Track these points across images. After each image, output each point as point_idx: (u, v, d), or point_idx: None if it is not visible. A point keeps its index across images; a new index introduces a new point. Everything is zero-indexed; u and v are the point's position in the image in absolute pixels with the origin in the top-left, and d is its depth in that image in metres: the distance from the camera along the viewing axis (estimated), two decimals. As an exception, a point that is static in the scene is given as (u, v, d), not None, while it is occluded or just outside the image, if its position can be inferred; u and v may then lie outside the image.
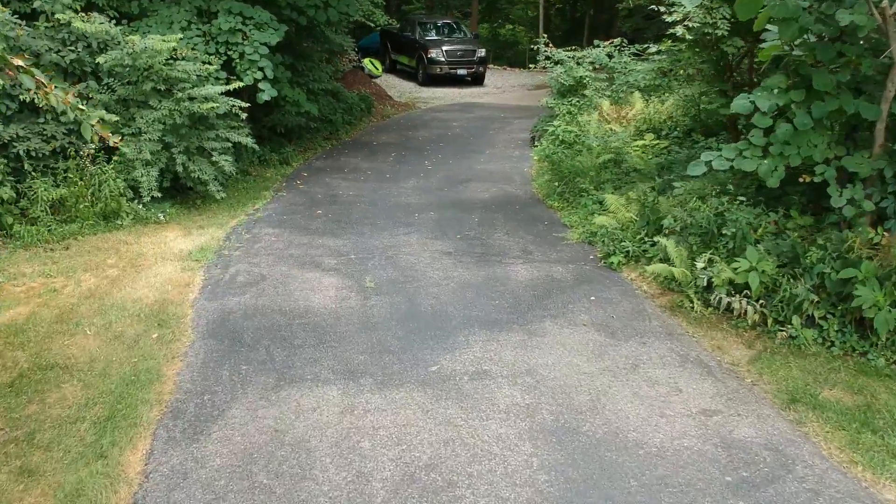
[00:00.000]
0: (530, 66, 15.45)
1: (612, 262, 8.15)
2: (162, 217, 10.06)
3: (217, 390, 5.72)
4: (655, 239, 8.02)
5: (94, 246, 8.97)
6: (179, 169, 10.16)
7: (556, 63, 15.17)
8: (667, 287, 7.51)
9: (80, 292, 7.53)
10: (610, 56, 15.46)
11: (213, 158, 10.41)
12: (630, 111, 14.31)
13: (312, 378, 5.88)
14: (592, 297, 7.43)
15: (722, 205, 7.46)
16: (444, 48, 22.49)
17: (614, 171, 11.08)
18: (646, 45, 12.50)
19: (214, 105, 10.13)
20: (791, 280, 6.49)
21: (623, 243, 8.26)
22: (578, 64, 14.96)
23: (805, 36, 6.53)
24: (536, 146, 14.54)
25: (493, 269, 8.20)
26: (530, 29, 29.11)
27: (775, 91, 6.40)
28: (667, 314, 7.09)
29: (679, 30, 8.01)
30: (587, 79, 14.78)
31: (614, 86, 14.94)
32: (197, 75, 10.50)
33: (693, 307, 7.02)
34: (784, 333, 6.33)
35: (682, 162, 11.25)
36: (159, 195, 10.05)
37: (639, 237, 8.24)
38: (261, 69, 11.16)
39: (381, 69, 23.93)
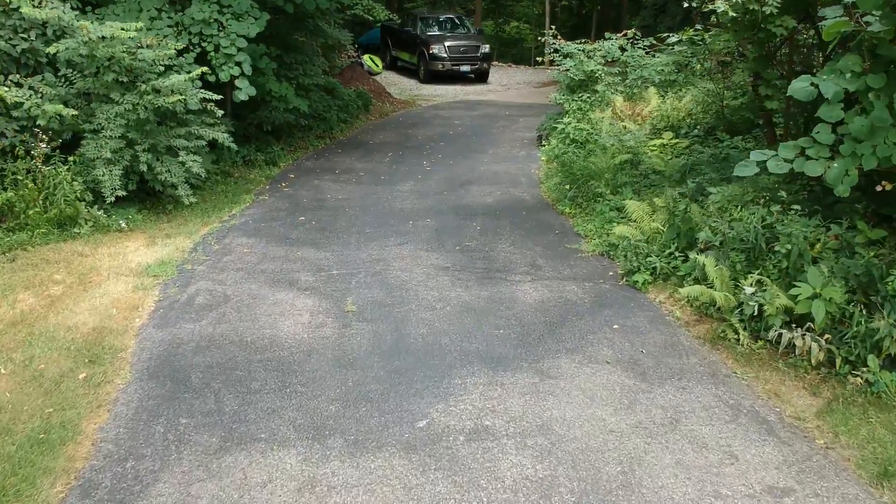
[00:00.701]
0: (538, 58, 14.12)
1: (637, 281, 6.80)
2: (124, 224, 8.75)
3: (145, 454, 4.39)
4: (688, 254, 6.69)
5: (44, 258, 7.65)
6: (144, 169, 8.84)
7: (566, 57, 13.84)
8: (704, 313, 6.16)
9: (10, 316, 6.21)
10: (622, 49, 14.10)
11: (181, 158, 9.09)
12: (645, 108, 12.96)
13: (268, 437, 4.56)
14: (615, 325, 6.08)
15: (770, 215, 6.11)
16: (447, 44, 21.14)
17: (632, 174, 9.73)
18: (666, 35, 11.16)
19: (181, 98, 8.81)
20: (865, 310, 5.15)
21: (649, 258, 6.90)
22: (589, 57, 13.61)
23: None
24: (544, 146, 13.21)
25: (496, 289, 6.87)
26: (535, 26, 27.76)
27: (847, 75, 5.05)
28: (706, 348, 5.74)
29: (720, 5, 6.66)
30: (599, 73, 13.43)
31: (628, 81, 13.58)
32: (164, 65, 9.19)
33: (739, 339, 5.67)
34: (858, 378, 4.98)
35: (706, 162, 9.92)
36: (123, 194, 8.72)
37: (668, 252, 6.88)
38: (238, 64, 9.83)
39: (381, 66, 22.60)
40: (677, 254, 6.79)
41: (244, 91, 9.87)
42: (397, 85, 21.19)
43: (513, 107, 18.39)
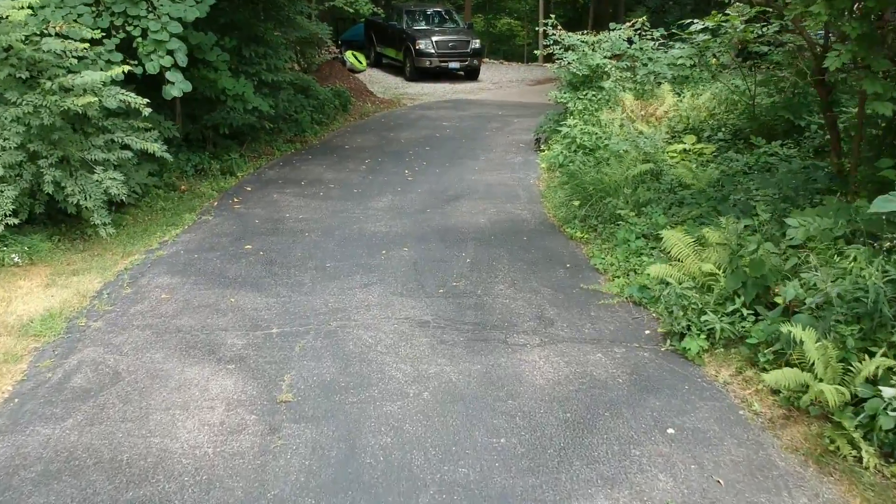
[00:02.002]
0: (535, 52, 12.00)
1: (689, 350, 4.72)
2: (18, 259, 6.62)
3: None
4: (759, 311, 4.63)
5: None
6: (49, 189, 6.73)
7: (567, 49, 11.73)
8: (793, 404, 4.10)
9: None
10: (630, 41, 12.01)
11: (96, 176, 6.97)
12: (659, 107, 10.88)
13: None
14: (670, 429, 4.00)
15: (893, 265, 4.05)
16: (434, 39, 18.98)
17: (655, 188, 7.66)
18: (689, 21, 9.09)
19: (92, 100, 6.68)
20: None
21: (704, 317, 4.82)
22: (594, 50, 11.51)
23: None
24: (543, 150, 11.12)
25: (493, 359, 4.79)
26: (528, 22, 25.62)
27: None
28: (812, 471, 3.67)
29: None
30: (607, 68, 11.34)
31: (639, 77, 11.50)
32: (76, 56, 7.06)
33: (861, 458, 3.62)
34: None
35: (741, 173, 7.87)
36: (16, 222, 6.60)
37: (731, 309, 4.81)
38: (170, 53, 7.69)
39: (365, 63, 20.44)
40: (744, 311, 4.71)
41: (177, 86, 7.72)
42: (381, 83, 19.03)
43: (506, 106, 16.28)
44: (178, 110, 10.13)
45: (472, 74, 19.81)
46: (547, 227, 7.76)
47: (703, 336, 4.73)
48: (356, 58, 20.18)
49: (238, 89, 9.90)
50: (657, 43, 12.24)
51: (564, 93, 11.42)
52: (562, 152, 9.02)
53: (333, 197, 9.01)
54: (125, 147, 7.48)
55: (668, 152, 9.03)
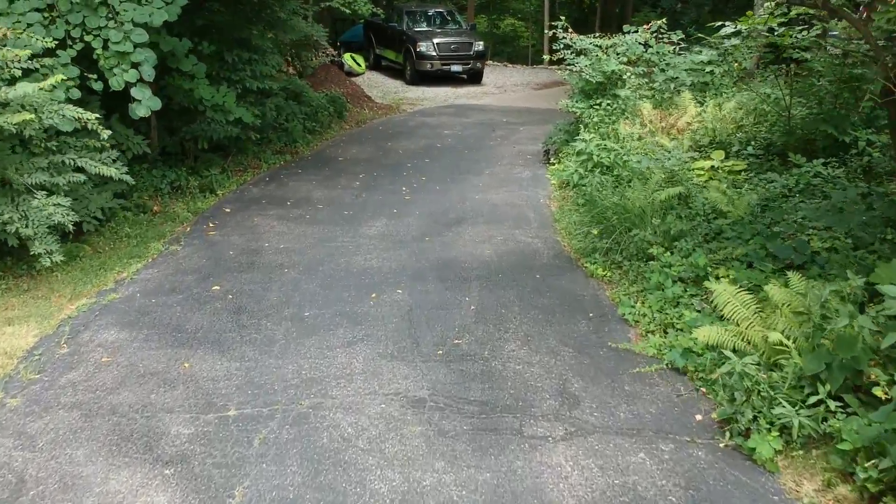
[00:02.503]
0: (545, 56, 10.87)
1: (758, 451, 3.60)
2: (-60, 305, 5.54)
3: None
4: (847, 400, 3.52)
5: None
6: (-18, 220, 5.65)
7: (579, 54, 10.60)
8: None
9: None
10: (645, 45, 10.87)
11: (35, 203, 5.87)
12: (680, 118, 9.75)
13: None
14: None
15: None
16: (436, 41, 17.82)
17: (687, 216, 6.55)
18: (720, 24, 7.96)
19: (28, 117, 5.57)
20: None
21: (778, 409, 3.69)
22: (608, 55, 10.37)
23: None
24: (553, 164, 10.02)
25: (506, 462, 3.68)
26: (532, 23, 24.40)
27: None
28: None
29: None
30: (623, 74, 10.22)
31: (657, 84, 10.37)
32: (21, 67, 5.95)
33: None
34: None
35: (782, 196, 6.78)
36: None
37: (813, 399, 3.68)
38: (135, 66, 6.57)
39: (363, 66, 19.32)
40: (831, 402, 3.59)
41: (144, 104, 6.58)
42: (380, 87, 17.90)
43: (511, 112, 15.14)
44: (152, 122, 9.02)
45: (475, 78, 18.68)
46: (562, 260, 6.64)
47: (774, 433, 3.61)
48: (354, 60, 19.06)
49: (218, 99, 8.78)
50: (675, 47, 11.12)
51: (576, 101, 10.29)
52: (576, 170, 7.91)
53: (321, 220, 7.90)
54: (79, 170, 6.39)
55: (694, 170, 7.92)
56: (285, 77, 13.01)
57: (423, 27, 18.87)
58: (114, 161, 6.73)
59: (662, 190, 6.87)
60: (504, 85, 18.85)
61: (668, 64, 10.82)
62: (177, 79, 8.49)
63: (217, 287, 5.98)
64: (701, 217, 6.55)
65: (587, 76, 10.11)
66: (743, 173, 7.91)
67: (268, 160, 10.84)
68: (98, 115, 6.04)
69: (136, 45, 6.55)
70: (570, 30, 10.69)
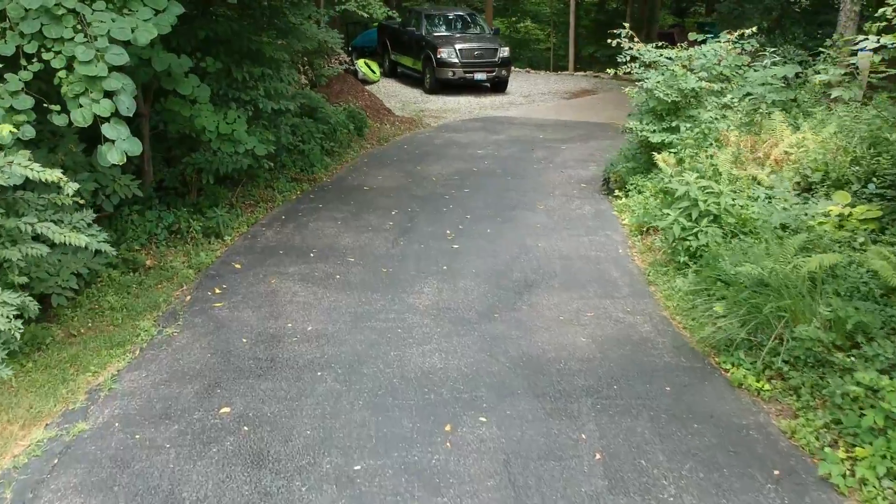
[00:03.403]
0: (615, 70, 9.02)
1: None
2: None
3: None
4: None
5: None
6: None
7: (648, 66, 8.78)
8: None
9: None
10: (717, 57, 9.01)
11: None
12: (775, 146, 7.93)
13: None
14: None
15: None
16: (458, 47, 15.94)
17: (854, 292, 4.75)
18: (860, 38, 6.14)
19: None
20: None
21: None
22: (687, 69, 8.55)
23: None
24: (618, 196, 8.24)
25: None
26: (554, 26, 22.40)
27: None
28: None
29: None
30: (702, 92, 8.41)
31: (741, 103, 8.54)
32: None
33: None
34: None
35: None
36: None
37: None
38: (109, 95, 4.72)
39: (378, 73, 17.47)
40: None
41: (118, 147, 4.70)
42: (398, 97, 16.04)
43: (546, 127, 13.30)
44: (146, 152, 7.21)
45: (499, 86, 16.82)
46: (689, 356, 4.82)
47: None
48: (369, 67, 17.21)
49: (225, 129, 6.95)
50: (752, 60, 9.32)
51: (646, 123, 8.47)
52: (676, 220, 6.09)
53: (354, 284, 6.08)
54: (36, 238, 4.58)
55: (817, 220, 6.11)
56: (299, 90, 11.17)
57: (444, 32, 17.00)
58: (89, 225, 4.91)
59: (808, 256, 5.06)
60: (530, 94, 16.99)
61: (745, 79, 9.01)
62: (174, 102, 6.67)
63: (227, 409, 4.17)
64: (869, 297, 4.75)
65: (661, 94, 8.28)
66: (881, 221, 6.12)
67: (283, 189, 9.03)
68: (60, 174, 4.19)
69: (111, 69, 4.71)
70: (635, 38, 8.86)
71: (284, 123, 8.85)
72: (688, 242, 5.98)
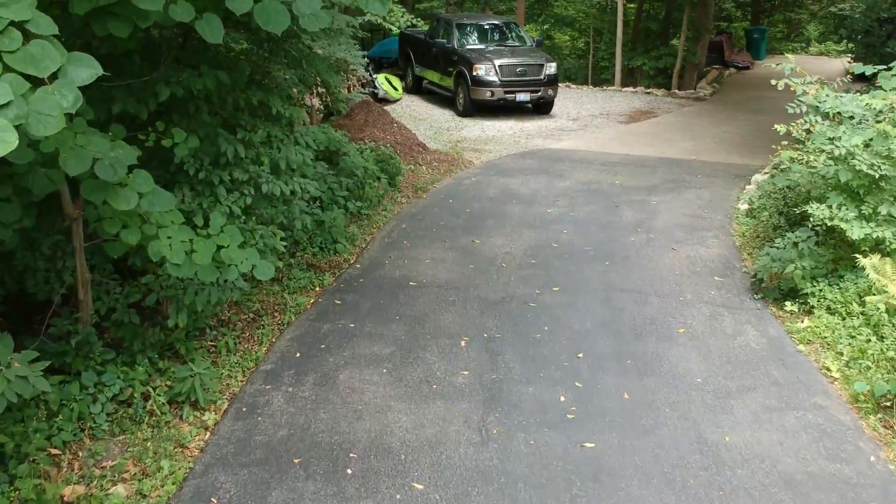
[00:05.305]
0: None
1: None
2: None
3: None
4: None
5: None
6: None
7: (832, 118, 5.69)
8: None
9: None
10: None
11: None
12: None
13: None
14: None
15: None
16: (497, 63, 12.74)
17: None
18: None
19: None
20: None
21: None
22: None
23: None
24: (790, 311, 5.16)
25: None
26: (595, 36, 18.93)
27: None
28: None
29: None
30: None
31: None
32: None
33: None
34: None
35: None
36: None
37: None
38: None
39: (401, 90, 14.30)
40: None
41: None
42: (427, 121, 12.87)
43: (617, 166, 10.18)
44: (80, 274, 4.19)
45: (543, 108, 13.65)
46: None
47: None
48: (390, 83, 14.02)
49: (202, 252, 3.84)
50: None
51: (838, 207, 5.38)
52: None
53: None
54: None
55: None
56: (312, 127, 8.00)
57: (477, 44, 13.81)
58: None
59: None
60: (579, 117, 13.81)
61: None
62: (110, 223, 3.56)
63: None
64: None
65: (861, 165, 5.19)
66: None
67: (294, 288, 6.00)
68: None
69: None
70: (852, 60, 5.74)
71: (300, 208, 5.71)
72: None
